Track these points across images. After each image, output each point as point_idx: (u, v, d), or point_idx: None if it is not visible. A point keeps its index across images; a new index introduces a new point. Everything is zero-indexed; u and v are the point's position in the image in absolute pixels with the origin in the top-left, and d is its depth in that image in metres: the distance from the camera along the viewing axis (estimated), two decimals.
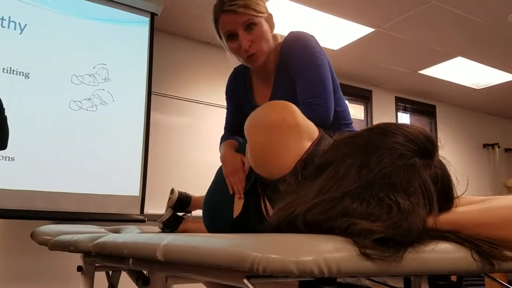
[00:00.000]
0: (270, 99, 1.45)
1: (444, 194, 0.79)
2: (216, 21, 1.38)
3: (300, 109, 1.06)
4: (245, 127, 1.08)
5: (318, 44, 1.41)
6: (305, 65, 1.35)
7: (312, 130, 1.04)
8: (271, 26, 1.43)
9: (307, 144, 0.99)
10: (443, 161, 0.82)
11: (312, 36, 1.42)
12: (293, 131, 0.99)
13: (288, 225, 0.76)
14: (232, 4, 1.32)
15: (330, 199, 0.75)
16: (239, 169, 1.26)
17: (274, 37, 1.46)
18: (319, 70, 1.35)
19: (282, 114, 1.00)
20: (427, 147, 0.80)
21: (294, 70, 1.37)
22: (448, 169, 0.82)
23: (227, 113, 1.70)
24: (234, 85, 1.61)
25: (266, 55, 1.40)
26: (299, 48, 1.38)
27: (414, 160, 0.77)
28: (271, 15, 1.44)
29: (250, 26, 1.35)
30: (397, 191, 0.73)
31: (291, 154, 0.96)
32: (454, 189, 0.82)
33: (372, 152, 0.78)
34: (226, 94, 1.66)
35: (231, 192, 1.23)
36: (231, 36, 1.37)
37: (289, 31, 1.44)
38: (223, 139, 1.62)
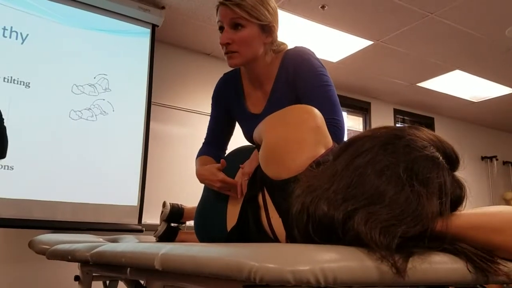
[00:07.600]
0: (266, 107, 1.45)
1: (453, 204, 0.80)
2: (217, 9, 1.40)
3: None
4: (263, 124, 1.10)
5: (320, 60, 1.42)
6: (315, 86, 1.36)
7: (328, 139, 1.05)
8: (268, 35, 1.40)
9: (322, 150, 1.00)
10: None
11: (314, 53, 1.42)
12: (312, 132, 1.01)
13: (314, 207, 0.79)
14: None
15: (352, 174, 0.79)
16: (223, 178, 1.27)
17: (270, 46, 1.44)
18: (331, 92, 1.37)
19: (305, 115, 1.04)
20: (452, 156, 0.82)
21: (304, 89, 1.37)
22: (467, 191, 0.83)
23: (210, 120, 1.66)
24: (224, 88, 1.59)
25: (244, 59, 1.39)
26: (306, 68, 1.38)
27: (439, 157, 0.79)
28: (273, 26, 1.40)
29: (237, 26, 1.36)
30: (417, 178, 0.75)
31: (305, 154, 0.96)
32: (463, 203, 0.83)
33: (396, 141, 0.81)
34: (214, 98, 1.62)
35: (239, 196, 1.22)
36: (220, 28, 1.40)
37: (294, 46, 1.45)
38: (200, 153, 1.62)
